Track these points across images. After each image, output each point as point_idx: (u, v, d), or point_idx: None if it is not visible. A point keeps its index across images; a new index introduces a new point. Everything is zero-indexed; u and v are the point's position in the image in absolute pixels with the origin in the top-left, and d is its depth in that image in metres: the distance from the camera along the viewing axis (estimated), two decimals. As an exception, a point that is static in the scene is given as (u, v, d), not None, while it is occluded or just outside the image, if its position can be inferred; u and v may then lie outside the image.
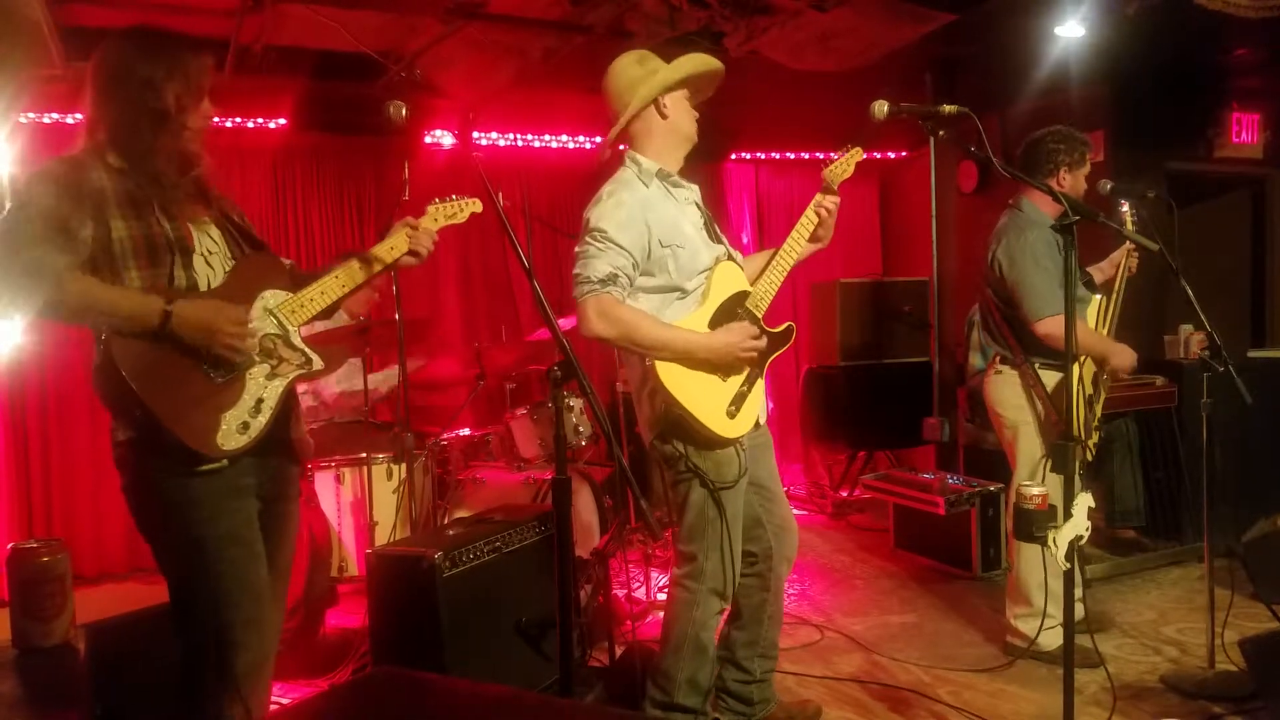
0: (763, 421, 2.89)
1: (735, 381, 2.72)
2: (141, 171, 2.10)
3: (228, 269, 2.21)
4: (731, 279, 2.81)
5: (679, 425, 2.67)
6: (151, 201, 2.10)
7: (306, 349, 2.25)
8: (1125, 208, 3.48)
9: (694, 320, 2.71)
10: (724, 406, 2.68)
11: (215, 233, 2.23)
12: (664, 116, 2.77)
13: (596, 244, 2.63)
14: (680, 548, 2.81)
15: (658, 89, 2.74)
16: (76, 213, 2.02)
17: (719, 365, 2.68)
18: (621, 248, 2.62)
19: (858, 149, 2.97)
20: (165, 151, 2.12)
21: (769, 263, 2.86)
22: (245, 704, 2.13)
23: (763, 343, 2.72)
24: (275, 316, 2.22)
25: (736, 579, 2.81)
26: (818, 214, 2.90)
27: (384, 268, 2.38)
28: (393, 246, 2.39)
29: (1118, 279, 3.62)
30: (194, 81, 2.16)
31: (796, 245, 2.88)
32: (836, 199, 2.91)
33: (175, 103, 2.12)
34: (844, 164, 2.94)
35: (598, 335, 2.62)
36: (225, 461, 2.07)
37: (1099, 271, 3.76)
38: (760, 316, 2.79)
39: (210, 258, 2.19)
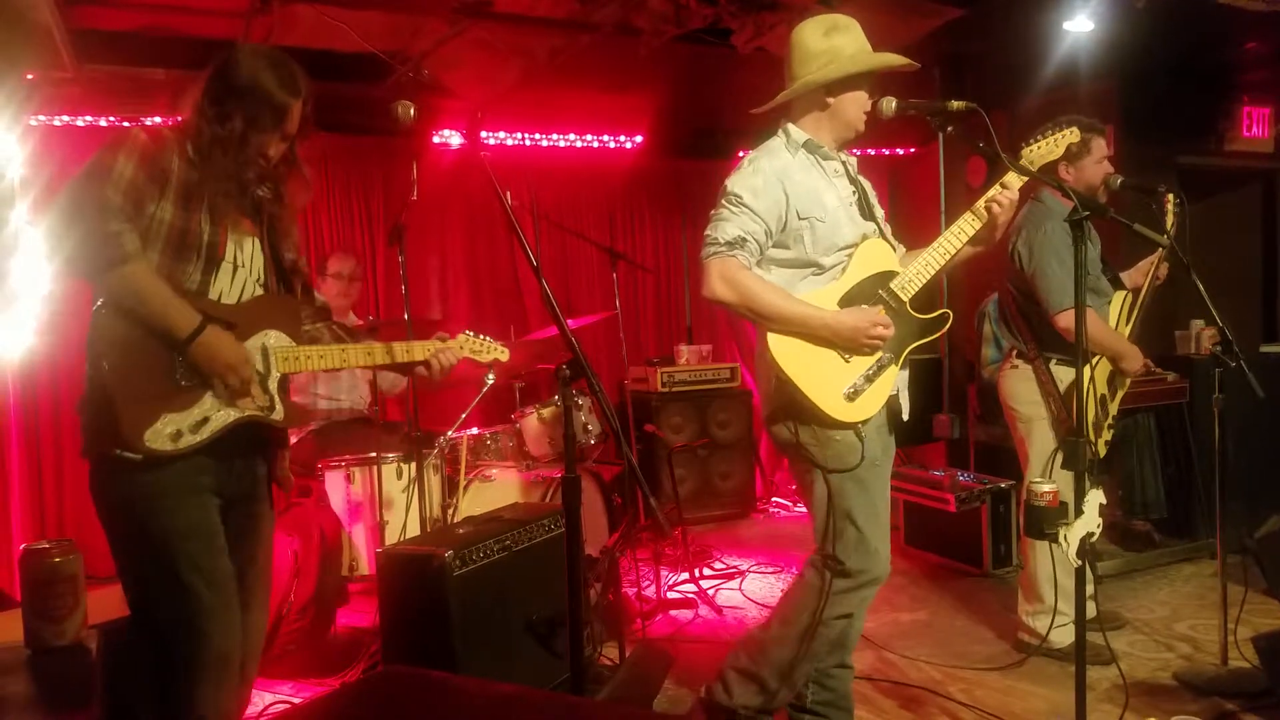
0: (904, 417, 2.70)
1: (861, 364, 2.55)
2: (206, 172, 2.11)
3: (251, 294, 2.22)
4: (878, 257, 2.64)
5: (790, 404, 2.54)
6: (203, 199, 2.11)
7: (276, 398, 2.25)
8: (1169, 197, 3.42)
9: (825, 295, 2.57)
10: (841, 389, 2.52)
11: (251, 250, 2.24)
12: (826, 105, 2.64)
13: (730, 208, 2.56)
14: (816, 538, 2.67)
15: (825, 80, 2.59)
16: (148, 189, 2.05)
17: (842, 346, 2.54)
18: (755, 213, 2.54)
19: (1073, 129, 2.71)
20: (221, 169, 2.13)
21: (922, 251, 2.67)
22: (218, 696, 2.14)
23: (890, 331, 2.53)
24: (267, 357, 2.22)
25: (876, 571, 2.64)
26: (988, 209, 2.60)
27: (394, 366, 2.45)
28: (409, 349, 2.44)
29: (1145, 284, 3.59)
30: (270, 122, 2.16)
31: (957, 238, 2.64)
32: (1013, 195, 2.60)
33: (237, 133, 2.13)
34: (1050, 144, 2.70)
35: (718, 298, 2.53)
36: (140, 456, 2.02)
37: (1135, 274, 3.70)
38: (906, 301, 2.62)
39: (236, 271, 2.20)
